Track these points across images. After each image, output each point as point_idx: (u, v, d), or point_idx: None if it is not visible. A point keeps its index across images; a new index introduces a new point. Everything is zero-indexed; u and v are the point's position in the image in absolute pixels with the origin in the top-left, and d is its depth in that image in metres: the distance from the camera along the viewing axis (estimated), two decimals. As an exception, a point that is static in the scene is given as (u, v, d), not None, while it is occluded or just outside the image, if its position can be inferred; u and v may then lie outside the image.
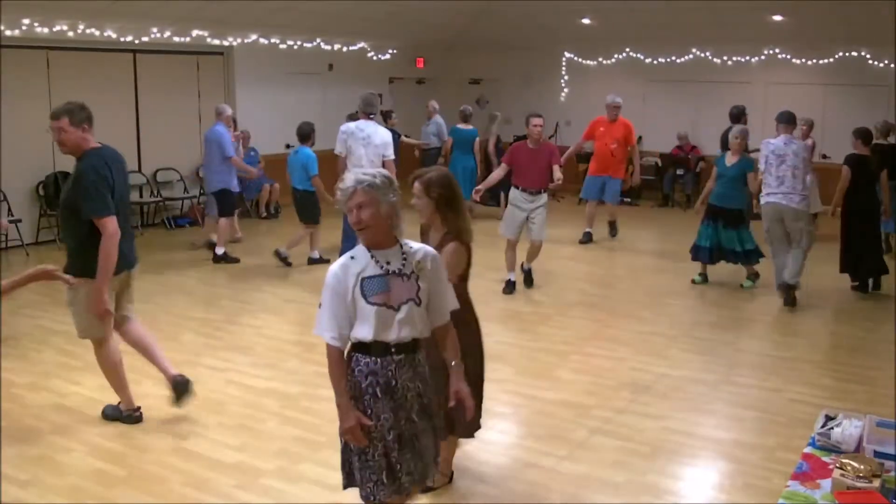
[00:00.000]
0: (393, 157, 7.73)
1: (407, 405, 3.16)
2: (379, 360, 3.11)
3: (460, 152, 11.67)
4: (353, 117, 8.61)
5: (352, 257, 3.14)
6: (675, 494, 4.25)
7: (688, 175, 13.48)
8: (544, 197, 7.95)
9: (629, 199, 13.81)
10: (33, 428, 4.89)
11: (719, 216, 8.09)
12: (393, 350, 3.11)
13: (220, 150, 9.11)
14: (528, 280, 8.23)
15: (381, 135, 7.66)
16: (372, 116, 7.72)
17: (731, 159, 8.05)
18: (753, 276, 8.29)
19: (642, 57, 14.09)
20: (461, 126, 11.73)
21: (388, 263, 3.11)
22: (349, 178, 3.13)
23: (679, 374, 5.93)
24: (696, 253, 8.33)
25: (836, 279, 8.82)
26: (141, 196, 11.28)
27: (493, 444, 4.81)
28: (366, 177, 3.10)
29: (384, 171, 3.21)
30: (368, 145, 7.59)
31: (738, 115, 9.85)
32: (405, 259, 3.15)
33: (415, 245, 3.24)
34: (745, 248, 8.09)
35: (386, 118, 11.66)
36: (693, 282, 8.38)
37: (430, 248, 3.28)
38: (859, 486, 2.73)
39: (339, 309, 3.08)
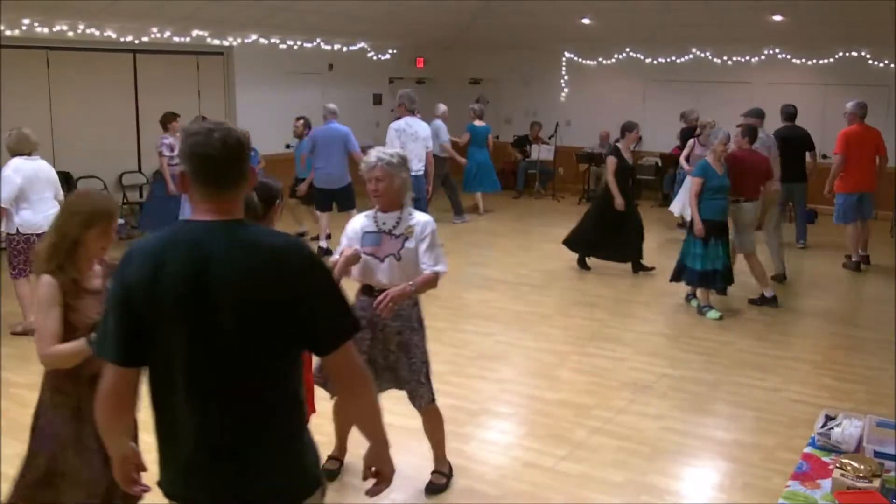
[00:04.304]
0: (432, 148, 8.44)
1: (385, 339, 3.91)
2: (366, 298, 3.90)
3: (475, 147, 12.62)
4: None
5: (366, 216, 3.98)
6: (675, 494, 4.25)
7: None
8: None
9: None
10: (33, 428, 4.88)
11: (717, 232, 7.21)
12: (376, 293, 3.82)
13: (346, 145, 9.40)
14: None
15: (424, 129, 8.38)
16: (415, 113, 8.13)
17: (720, 168, 7.20)
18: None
19: (642, 57, 14.09)
20: (477, 123, 12.57)
21: (384, 224, 3.90)
22: (373, 154, 3.86)
23: (679, 374, 5.93)
24: (692, 276, 7.36)
25: (836, 279, 8.83)
26: (141, 196, 11.29)
27: (493, 444, 4.81)
28: (385, 156, 3.84)
29: (401, 153, 3.94)
30: (417, 140, 8.23)
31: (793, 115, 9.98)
32: (398, 222, 3.88)
33: (416, 214, 3.95)
34: (725, 265, 7.29)
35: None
36: (701, 312, 7.41)
37: (427, 219, 3.94)
38: (859, 486, 2.73)
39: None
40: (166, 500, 2.26)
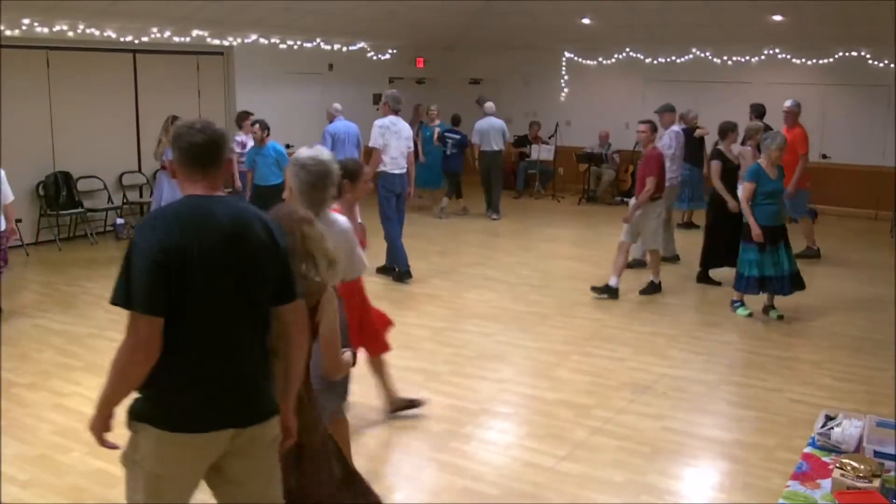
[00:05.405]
0: (412, 147, 8.58)
1: None
2: None
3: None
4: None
5: None
6: (675, 494, 4.25)
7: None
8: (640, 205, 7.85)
9: (629, 199, 13.82)
10: (33, 428, 4.89)
11: (772, 237, 6.98)
12: None
13: (358, 139, 10.24)
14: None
15: (407, 128, 8.49)
16: (398, 113, 8.29)
17: (774, 172, 6.97)
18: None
19: (642, 57, 14.09)
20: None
21: None
22: None
23: (679, 374, 5.93)
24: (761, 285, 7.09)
25: (836, 279, 8.83)
26: (141, 196, 11.29)
27: (493, 444, 4.81)
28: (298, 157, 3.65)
29: (313, 155, 3.59)
30: (400, 138, 8.28)
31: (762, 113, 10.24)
32: None
33: (332, 218, 3.69)
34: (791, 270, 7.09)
35: (455, 123, 12.89)
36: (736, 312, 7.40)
37: (333, 225, 3.64)
38: (859, 486, 2.73)
39: None
40: None
